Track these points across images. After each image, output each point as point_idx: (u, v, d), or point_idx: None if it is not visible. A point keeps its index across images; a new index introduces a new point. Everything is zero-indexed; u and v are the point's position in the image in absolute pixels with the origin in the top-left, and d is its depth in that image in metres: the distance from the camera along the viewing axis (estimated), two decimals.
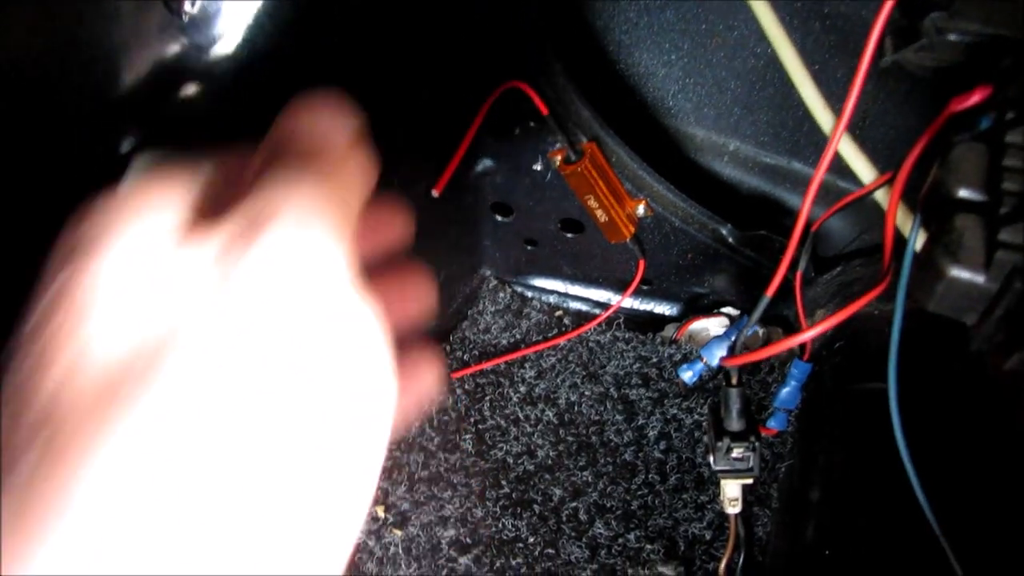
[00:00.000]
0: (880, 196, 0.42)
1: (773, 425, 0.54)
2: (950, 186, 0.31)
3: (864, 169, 0.44)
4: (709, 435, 0.46)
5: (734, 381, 0.45)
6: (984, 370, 0.34)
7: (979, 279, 0.29)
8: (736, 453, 0.45)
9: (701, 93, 0.64)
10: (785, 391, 0.53)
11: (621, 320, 0.69)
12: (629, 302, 0.70)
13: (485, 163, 0.62)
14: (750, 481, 0.46)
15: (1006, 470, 0.44)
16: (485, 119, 0.57)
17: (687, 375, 0.52)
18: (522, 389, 0.67)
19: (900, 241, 0.39)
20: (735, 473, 0.45)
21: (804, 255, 0.46)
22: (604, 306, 0.70)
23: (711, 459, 0.45)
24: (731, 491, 0.47)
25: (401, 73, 0.51)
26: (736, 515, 0.49)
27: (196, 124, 0.43)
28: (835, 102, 0.44)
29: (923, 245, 0.32)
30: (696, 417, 0.63)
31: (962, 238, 0.30)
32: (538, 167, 0.61)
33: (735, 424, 0.45)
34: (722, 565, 0.51)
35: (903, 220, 0.40)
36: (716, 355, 0.52)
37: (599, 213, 0.59)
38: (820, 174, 0.39)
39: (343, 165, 0.24)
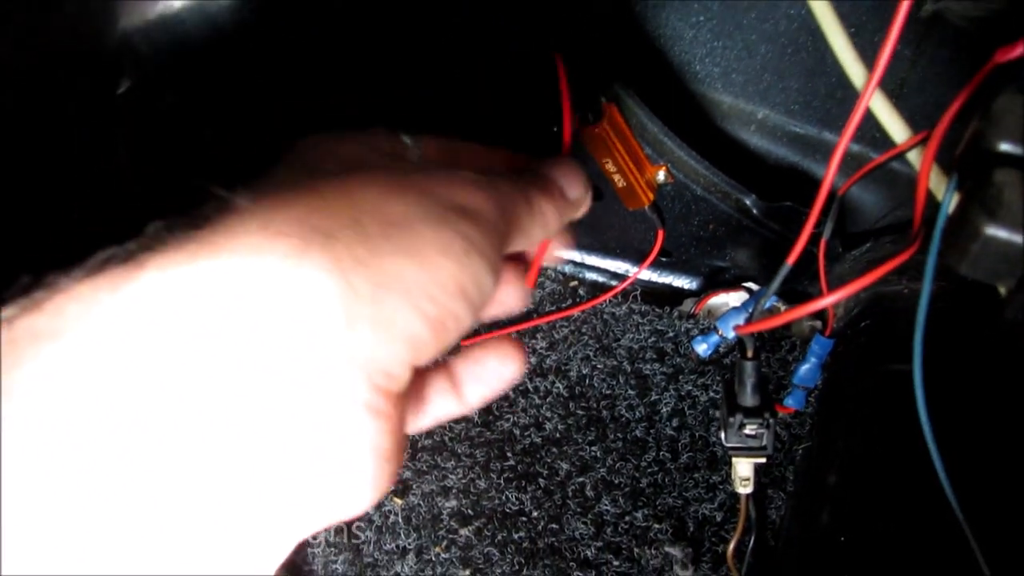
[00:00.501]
0: (914, 159, 0.39)
1: (790, 403, 0.51)
2: (991, 139, 0.29)
3: (898, 129, 0.41)
4: (722, 410, 0.44)
5: (749, 353, 0.42)
6: (1017, 344, 0.31)
7: (1018, 239, 0.27)
8: (749, 430, 0.43)
9: (730, 57, 0.61)
10: (804, 368, 0.51)
11: (638, 292, 0.66)
12: (647, 274, 0.67)
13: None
14: (763, 460, 0.44)
15: None
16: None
17: (702, 348, 0.49)
18: (533, 360, 0.65)
19: (933, 207, 0.36)
20: (747, 451, 0.43)
21: (829, 223, 0.44)
22: (621, 277, 0.68)
23: (722, 435, 0.43)
24: (743, 470, 0.45)
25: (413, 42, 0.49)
26: (747, 495, 0.46)
27: (197, 67, 0.42)
28: (871, 67, 0.41)
29: (958, 203, 0.29)
30: (711, 394, 0.61)
31: (1001, 194, 0.27)
32: (555, 128, 0.58)
33: (749, 399, 0.42)
34: (731, 547, 0.49)
35: (937, 184, 0.38)
36: (732, 328, 0.50)
37: (617, 178, 0.57)
38: (852, 129, 0.36)
39: (538, 231, 0.31)
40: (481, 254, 0.25)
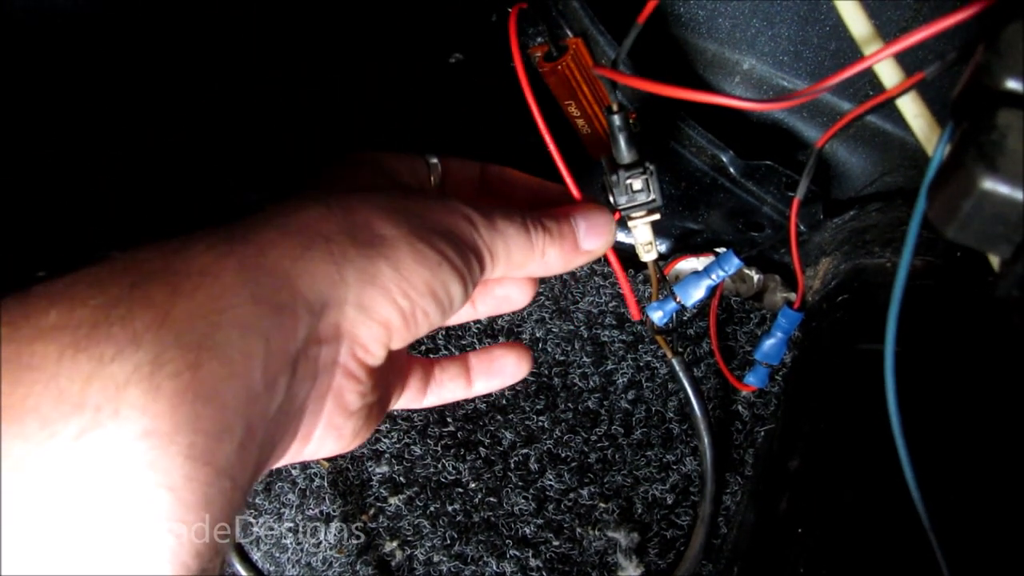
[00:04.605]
0: (906, 107, 0.34)
1: (751, 381, 0.47)
2: (996, 74, 0.23)
3: (893, 79, 0.36)
4: (605, 178, 0.39)
5: (614, 107, 0.38)
6: (1010, 328, 0.26)
7: (1020, 195, 0.21)
8: (636, 184, 0.39)
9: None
10: (769, 343, 0.46)
11: None
12: None
13: (455, 55, 0.54)
14: (658, 216, 0.39)
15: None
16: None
17: (657, 315, 0.44)
18: (483, 320, 0.60)
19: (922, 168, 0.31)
20: (640, 207, 0.39)
21: (804, 181, 0.39)
22: None
23: (611, 199, 0.39)
24: (642, 235, 0.40)
25: None
26: (654, 262, 0.42)
27: None
28: (872, 20, 0.36)
29: (950, 151, 0.24)
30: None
31: (1004, 140, 0.22)
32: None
33: (625, 155, 0.39)
34: (652, 316, 0.44)
35: (928, 136, 0.32)
36: (692, 294, 0.45)
37: (581, 123, 0.51)
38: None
39: (537, 269, 0.35)
40: (453, 267, 0.30)
